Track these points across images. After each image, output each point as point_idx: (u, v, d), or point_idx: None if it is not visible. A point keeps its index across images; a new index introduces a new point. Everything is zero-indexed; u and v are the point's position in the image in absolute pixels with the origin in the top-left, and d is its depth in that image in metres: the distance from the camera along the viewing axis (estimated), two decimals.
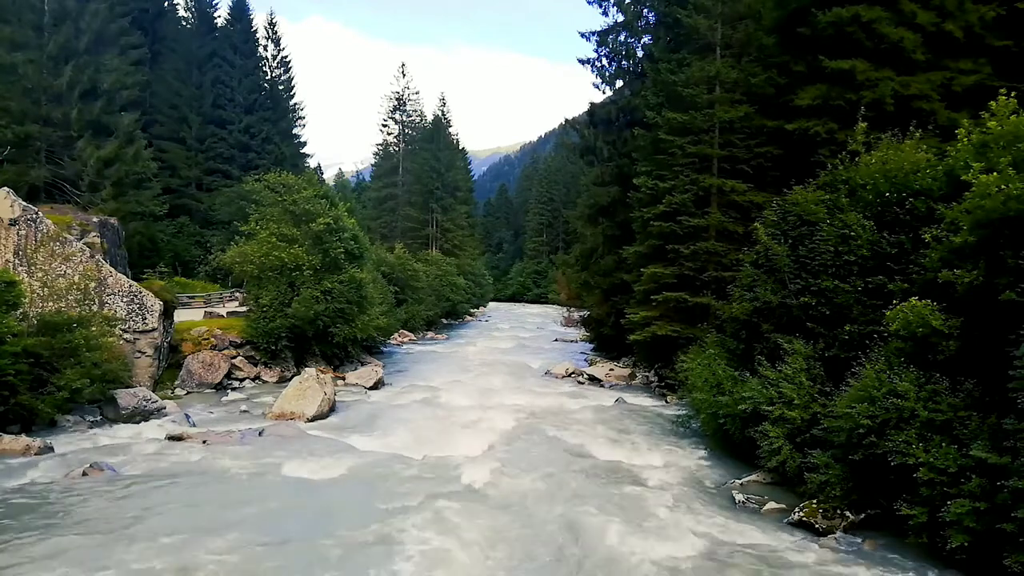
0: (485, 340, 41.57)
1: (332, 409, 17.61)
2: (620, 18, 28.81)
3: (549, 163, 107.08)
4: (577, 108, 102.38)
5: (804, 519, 9.96)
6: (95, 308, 17.71)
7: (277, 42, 49.61)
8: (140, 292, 18.97)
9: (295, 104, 51.54)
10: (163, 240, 36.89)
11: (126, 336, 18.46)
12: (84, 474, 11.40)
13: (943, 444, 8.54)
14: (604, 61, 29.35)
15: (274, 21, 49.85)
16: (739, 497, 11.27)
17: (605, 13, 29.06)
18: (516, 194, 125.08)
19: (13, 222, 17.47)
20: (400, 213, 64.46)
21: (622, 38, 29.11)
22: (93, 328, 16.06)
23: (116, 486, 10.95)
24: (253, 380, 21.92)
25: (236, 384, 21.29)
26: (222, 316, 25.79)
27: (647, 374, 24.50)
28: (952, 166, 10.66)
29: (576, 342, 38.82)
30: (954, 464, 8.26)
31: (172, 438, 14.02)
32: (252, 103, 45.65)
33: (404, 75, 68.67)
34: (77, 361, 14.84)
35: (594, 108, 30.86)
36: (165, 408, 16.54)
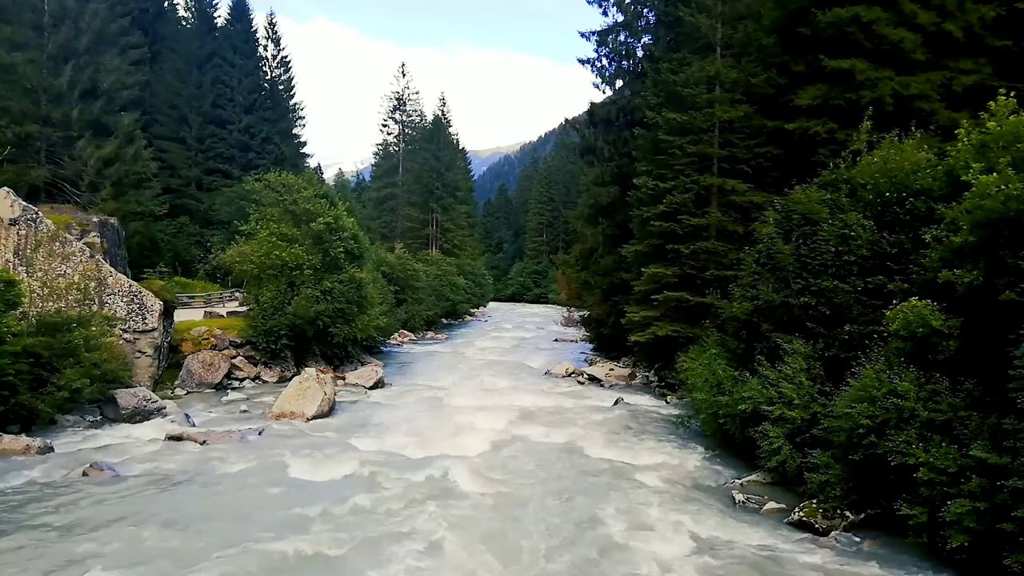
0: (485, 340, 41.57)
1: (332, 409, 17.61)
2: (620, 18, 28.82)
3: (549, 163, 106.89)
4: (577, 108, 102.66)
5: (804, 519, 9.96)
6: (95, 308, 17.71)
7: (277, 42, 49.62)
8: (140, 292, 18.97)
9: (295, 104, 51.53)
10: (163, 240, 36.86)
11: (126, 336, 18.47)
12: (84, 474, 11.41)
13: (943, 444, 8.55)
14: (604, 61, 29.37)
15: (274, 21, 49.92)
16: (739, 497, 11.27)
17: (605, 13, 29.09)
18: (516, 194, 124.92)
19: (13, 222, 17.48)
20: (400, 213, 64.43)
21: (622, 38, 29.12)
22: (93, 328, 16.06)
23: (116, 486, 10.96)
24: (253, 380, 21.92)
25: (236, 384, 21.29)
26: (222, 316, 25.79)
27: (647, 374, 24.49)
28: (952, 166, 10.66)
29: (576, 342, 38.80)
30: (954, 464, 8.26)
31: (172, 438, 14.01)
32: (252, 103, 45.62)
33: (404, 75, 68.79)
34: (77, 361, 14.85)
35: (594, 108, 30.86)
36: (165, 408, 16.52)
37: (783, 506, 10.69)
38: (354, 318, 24.14)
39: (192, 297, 30.51)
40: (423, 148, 65.23)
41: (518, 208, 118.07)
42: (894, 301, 10.12)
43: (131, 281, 19.59)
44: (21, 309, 15.08)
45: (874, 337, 10.65)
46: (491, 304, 78.82)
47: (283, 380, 21.57)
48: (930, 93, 16.25)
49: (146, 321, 18.82)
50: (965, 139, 10.21)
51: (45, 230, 17.82)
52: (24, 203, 17.95)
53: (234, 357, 22.06)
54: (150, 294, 19.10)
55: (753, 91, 19.73)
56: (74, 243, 18.52)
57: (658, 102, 21.78)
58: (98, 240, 20.78)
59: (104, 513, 9.74)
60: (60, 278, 17.45)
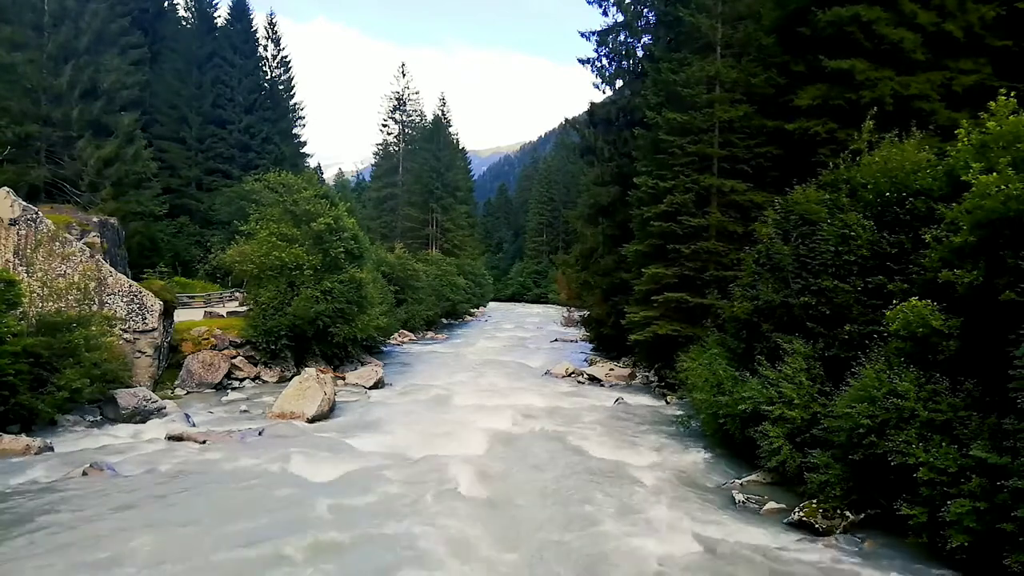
0: (485, 340, 41.58)
1: (332, 409, 17.60)
2: (620, 18, 28.84)
3: (549, 163, 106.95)
4: (577, 108, 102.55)
5: (804, 519, 9.95)
6: (95, 308, 17.71)
7: (277, 42, 49.63)
8: (140, 292, 18.97)
9: (295, 104, 51.55)
10: (163, 240, 36.87)
11: (126, 336, 18.46)
12: (84, 474, 11.40)
13: (943, 444, 8.55)
14: (604, 61, 29.40)
15: (274, 21, 49.94)
16: (739, 497, 11.27)
17: (605, 13, 29.11)
18: (516, 194, 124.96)
19: (13, 222, 17.47)
20: (400, 213, 64.44)
21: (622, 38, 29.14)
22: (93, 328, 16.05)
23: (116, 486, 10.95)
24: (253, 380, 21.92)
25: (236, 384, 21.29)
26: (222, 316, 25.79)
27: (647, 374, 24.49)
28: (952, 166, 10.66)
29: (576, 342, 38.80)
30: (954, 464, 8.27)
31: (172, 438, 14.01)
32: (252, 103, 45.63)
33: (404, 75, 68.84)
34: (77, 361, 14.83)
35: (594, 108, 30.87)
36: (165, 408, 16.52)
37: (783, 506, 10.69)
38: (354, 318, 24.13)
39: (192, 297, 30.50)
40: (423, 148, 65.24)
41: (518, 208, 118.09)
42: (894, 301, 10.12)
43: (131, 281, 19.58)
44: (21, 309, 15.08)
45: (874, 337, 10.65)
46: (491, 304, 78.83)
47: (283, 380, 21.57)
48: (930, 93, 16.25)
49: (146, 321, 18.82)
50: (965, 139, 10.21)
51: (45, 230, 17.82)
52: (24, 203, 17.95)
53: (234, 357, 22.06)
54: (150, 294, 19.10)
55: (753, 91, 19.74)
56: (74, 243, 18.52)
57: (658, 102, 21.79)
58: (98, 240, 20.78)
59: (104, 513, 9.72)
60: (60, 278, 17.46)
